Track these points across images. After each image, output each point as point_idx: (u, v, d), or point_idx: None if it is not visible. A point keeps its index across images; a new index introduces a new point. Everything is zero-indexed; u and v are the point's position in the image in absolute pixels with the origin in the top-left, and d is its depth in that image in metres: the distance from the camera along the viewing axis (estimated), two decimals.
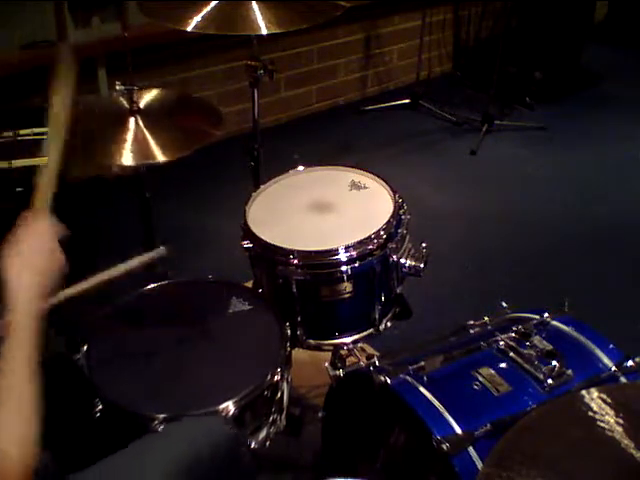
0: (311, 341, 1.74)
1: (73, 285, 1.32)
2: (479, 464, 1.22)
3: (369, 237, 1.63)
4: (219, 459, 1.26)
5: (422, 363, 1.40)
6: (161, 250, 1.44)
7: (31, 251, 1.09)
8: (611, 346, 1.46)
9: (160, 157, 1.64)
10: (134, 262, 1.40)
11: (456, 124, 3.90)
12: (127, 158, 1.64)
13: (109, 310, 1.61)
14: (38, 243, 1.11)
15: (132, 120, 1.72)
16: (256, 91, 1.96)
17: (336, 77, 4.02)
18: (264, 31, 1.71)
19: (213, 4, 1.75)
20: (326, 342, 1.75)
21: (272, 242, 1.64)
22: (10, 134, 2.29)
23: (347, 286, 1.65)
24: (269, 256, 1.66)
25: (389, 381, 1.37)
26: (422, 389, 1.34)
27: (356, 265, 1.62)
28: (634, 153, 3.64)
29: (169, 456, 1.22)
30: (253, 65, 1.89)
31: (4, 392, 0.99)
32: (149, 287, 1.70)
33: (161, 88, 1.89)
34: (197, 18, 1.72)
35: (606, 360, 1.44)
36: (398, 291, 1.80)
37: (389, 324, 1.79)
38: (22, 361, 1.01)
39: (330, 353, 1.81)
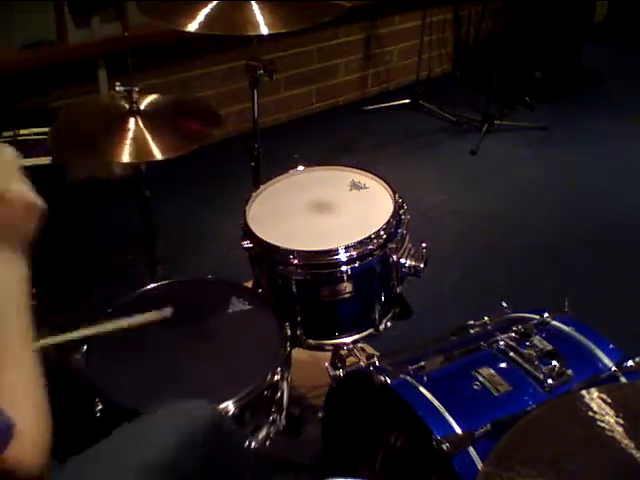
0: (311, 341, 1.74)
1: (73, 331, 1.36)
2: (479, 464, 1.22)
3: (369, 237, 1.63)
4: (205, 441, 1.21)
5: (422, 363, 1.40)
6: (166, 311, 1.48)
7: None
8: (611, 346, 1.46)
9: (159, 157, 1.64)
10: (138, 319, 1.44)
11: (456, 124, 3.90)
12: (126, 159, 1.63)
13: (109, 310, 1.61)
14: None
15: (132, 120, 1.72)
16: (256, 91, 1.95)
17: (336, 77, 4.02)
18: (264, 31, 1.71)
19: (213, 4, 1.74)
20: (326, 342, 1.75)
21: (272, 242, 1.64)
22: (10, 134, 2.29)
23: (347, 286, 1.65)
24: (269, 256, 1.66)
25: (389, 381, 1.36)
26: (422, 389, 1.34)
27: (356, 265, 1.62)
28: (634, 153, 3.64)
29: (151, 443, 1.17)
30: (253, 65, 1.89)
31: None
32: (149, 287, 1.70)
33: (161, 91, 1.89)
34: (197, 18, 1.72)
35: (606, 360, 1.43)
36: (398, 291, 1.80)
37: (389, 324, 1.79)
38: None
39: (330, 353, 1.81)
